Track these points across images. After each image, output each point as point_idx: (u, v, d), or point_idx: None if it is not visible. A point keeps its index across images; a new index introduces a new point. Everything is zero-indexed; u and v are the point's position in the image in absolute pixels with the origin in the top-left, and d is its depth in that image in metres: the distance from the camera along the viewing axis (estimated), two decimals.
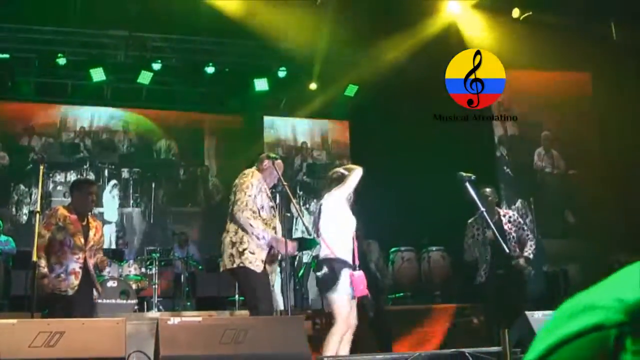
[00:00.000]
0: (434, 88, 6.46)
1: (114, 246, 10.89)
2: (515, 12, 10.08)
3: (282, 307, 7.00)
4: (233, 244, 5.04)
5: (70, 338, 4.08)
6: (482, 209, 5.27)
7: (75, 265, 5.28)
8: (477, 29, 10.24)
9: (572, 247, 9.99)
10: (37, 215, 5.25)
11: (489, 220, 5.42)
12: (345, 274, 4.83)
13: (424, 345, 7.10)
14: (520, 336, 4.71)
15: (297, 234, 9.96)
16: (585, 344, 0.50)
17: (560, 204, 10.51)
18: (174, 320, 4.41)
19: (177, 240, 10.62)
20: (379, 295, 7.09)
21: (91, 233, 5.43)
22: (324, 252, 4.98)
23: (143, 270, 8.94)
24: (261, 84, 12.18)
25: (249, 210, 5.02)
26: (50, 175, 11.85)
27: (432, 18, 10.39)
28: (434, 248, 9.77)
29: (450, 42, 9.91)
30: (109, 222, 11.97)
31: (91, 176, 11.94)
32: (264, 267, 5.05)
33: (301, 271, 9.75)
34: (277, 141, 13.40)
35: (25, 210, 11.75)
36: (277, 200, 5.44)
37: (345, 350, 4.83)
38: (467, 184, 5.13)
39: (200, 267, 10.13)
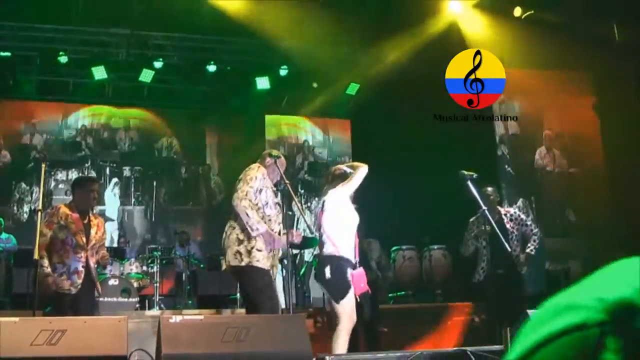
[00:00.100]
0: (435, 87, 6.45)
1: (115, 244, 10.89)
2: (517, 11, 10.07)
3: (283, 305, 7.00)
4: (240, 241, 5.00)
5: (72, 336, 4.09)
6: (484, 207, 5.27)
7: (77, 265, 5.29)
8: (478, 28, 10.24)
9: (574, 246, 10.00)
10: (39, 213, 5.24)
11: (491, 219, 5.42)
12: (349, 273, 4.81)
13: (424, 343, 7.09)
14: None
15: None
16: (567, 343, 0.50)
17: (561, 202, 10.50)
18: (176, 318, 4.40)
19: (178, 238, 10.65)
20: (376, 293, 7.06)
21: (93, 231, 5.44)
22: (327, 249, 4.91)
23: (144, 268, 8.95)
24: (263, 83, 12.18)
25: (247, 200, 5.00)
26: (52, 173, 11.87)
27: (433, 18, 10.41)
28: (435, 247, 9.76)
29: (452, 41, 9.91)
30: (111, 220, 11.97)
31: (93, 174, 11.93)
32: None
33: (303, 269, 9.75)
34: (278, 139, 13.41)
35: (26, 208, 11.77)
36: (279, 199, 5.43)
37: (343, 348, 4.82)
38: (469, 182, 5.14)
39: (201, 265, 10.13)
